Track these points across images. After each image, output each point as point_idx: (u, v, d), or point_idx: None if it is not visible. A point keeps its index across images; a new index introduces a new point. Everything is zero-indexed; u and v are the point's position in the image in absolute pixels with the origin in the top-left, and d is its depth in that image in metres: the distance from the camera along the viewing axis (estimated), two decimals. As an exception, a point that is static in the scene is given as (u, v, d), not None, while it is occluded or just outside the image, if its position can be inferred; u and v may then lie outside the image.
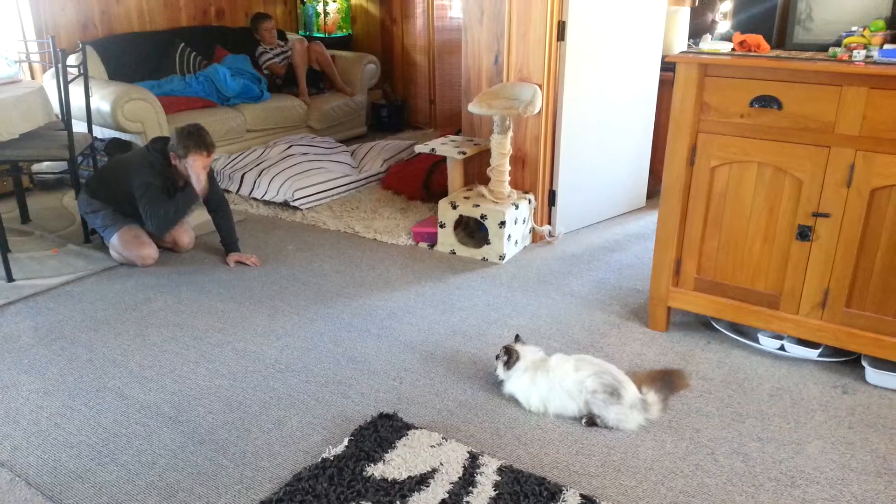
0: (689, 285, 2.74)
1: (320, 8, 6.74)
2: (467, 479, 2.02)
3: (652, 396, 2.32)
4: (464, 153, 3.71)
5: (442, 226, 3.67)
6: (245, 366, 2.65)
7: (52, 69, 4.20)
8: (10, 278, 3.32)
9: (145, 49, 5.31)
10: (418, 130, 6.38)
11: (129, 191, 3.36)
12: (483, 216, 3.52)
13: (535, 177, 3.71)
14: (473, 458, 2.11)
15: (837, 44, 2.41)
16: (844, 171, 2.32)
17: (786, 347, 2.65)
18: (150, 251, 3.49)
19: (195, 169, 3.28)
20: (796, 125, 2.36)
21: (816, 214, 2.41)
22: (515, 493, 1.97)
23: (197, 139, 3.23)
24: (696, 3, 4.37)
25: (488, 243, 3.57)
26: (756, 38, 2.51)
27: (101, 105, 4.44)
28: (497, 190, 3.58)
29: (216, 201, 3.54)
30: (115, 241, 3.47)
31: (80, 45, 4.01)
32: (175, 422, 2.32)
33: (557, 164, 3.71)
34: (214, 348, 2.77)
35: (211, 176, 3.49)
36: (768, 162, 2.45)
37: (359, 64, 6.13)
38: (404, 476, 2.04)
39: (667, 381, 2.40)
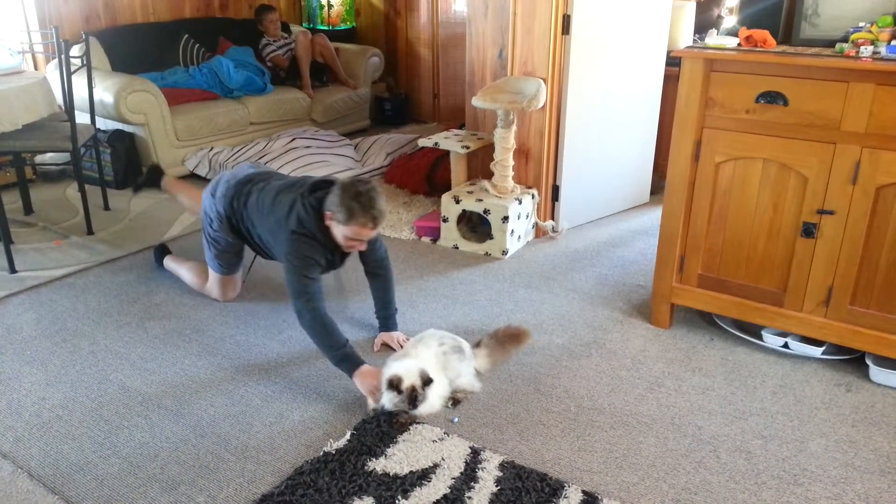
0: (692, 282, 2.74)
1: (324, 0, 6.72)
2: (469, 475, 2.02)
3: (479, 351, 2.56)
4: (467, 147, 3.70)
5: (445, 220, 3.67)
6: (247, 359, 2.65)
7: (56, 60, 4.19)
8: (12, 269, 3.32)
9: (149, 40, 5.29)
10: (422, 124, 6.37)
11: (272, 241, 2.73)
12: (486, 211, 3.51)
13: (539, 172, 3.70)
14: (475, 453, 2.11)
15: (844, 40, 2.39)
16: (850, 169, 2.31)
17: (789, 345, 2.64)
18: (233, 294, 3.11)
19: (347, 242, 2.54)
20: (802, 121, 2.34)
21: (821, 212, 2.39)
22: (517, 488, 1.97)
23: (365, 206, 2.43)
24: (702, -2, 4.35)
25: (491, 238, 3.57)
26: (762, 34, 2.49)
27: (105, 96, 4.43)
28: (500, 185, 3.57)
29: (376, 262, 2.78)
30: (213, 281, 3.06)
31: (84, 36, 4.00)
32: (177, 414, 2.32)
33: (561, 159, 3.70)
34: (216, 341, 2.77)
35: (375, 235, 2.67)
36: (773, 158, 2.43)
37: (362, 57, 6.11)
38: (406, 471, 2.04)
39: (501, 339, 2.62)
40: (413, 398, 2.21)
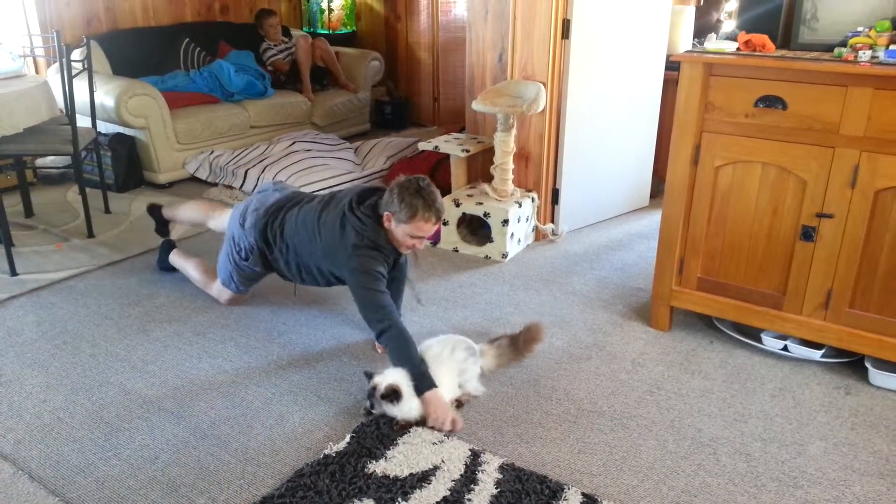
0: (692, 285, 2.74)
1: (324, 4, 6.74)
2: (469, 477, 2.03)
3: (489, 349, 2.57)
4: (467, 151, 3.71)
5: (445, 223, 3.67)
6: (247, 361, 2.65)
7: (57, 64, 4.20)
8: (13, 272, 3.32)
9: (149, 44, 5.31)
10: (422, 128, 6.38)
11: (329, 264, 2.65)
12: (486, 214, 3.52)
13: (539, 175, 3.71)
14: (475, 455, 2.12)
15: (843, 44, 2.40)
16: (849, 172, 2.31)
17: (789, 348, 2.65)
18: (238, 302, 3.10)
19: (408, 240, 2.54)
20: (801, 125, 2.35)
21: (820, 215, 2.40)
22: (517, 491, 1.97)
23: (427, 200, 2.46)
24: (701, 3, 4.36)
25: (491, 241, 3.57)
26: (761, 38, 2.50)
27: (106, 100, 4.44)
28: (500, 188, 3.58)
29: (397, 267, 2.80)
30: (223, 292, 3.03)
31: (85, 40, 4.02)
32: (177, 417, 2.32)
33: (561, 163, 3.71)
34: (217, 344, 2.77)
35: None
36: (772, 162, 2.44)
37: (363, 61, 6.12)
38: (406, 473, 2.04)
39: (514, 341, 2.63)
40: (371, 395, 2.24)
